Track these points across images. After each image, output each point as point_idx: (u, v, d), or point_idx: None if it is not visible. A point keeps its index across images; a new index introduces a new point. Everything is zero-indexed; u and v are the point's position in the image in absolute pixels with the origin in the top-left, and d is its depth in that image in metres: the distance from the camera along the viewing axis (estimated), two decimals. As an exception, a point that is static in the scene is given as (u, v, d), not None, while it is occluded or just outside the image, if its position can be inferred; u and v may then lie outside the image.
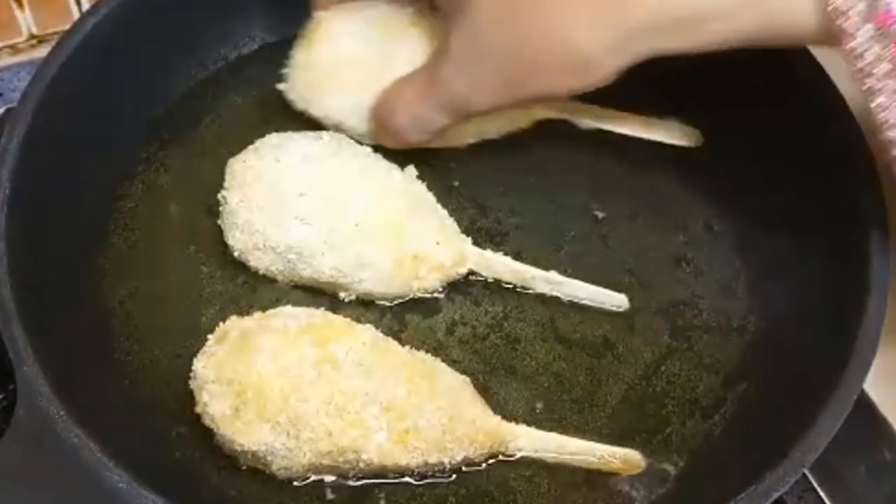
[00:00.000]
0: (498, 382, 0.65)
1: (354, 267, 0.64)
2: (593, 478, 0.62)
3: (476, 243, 0.69)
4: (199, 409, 0.59)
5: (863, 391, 0.61)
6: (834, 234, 0.66)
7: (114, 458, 0.53)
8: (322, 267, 0.64)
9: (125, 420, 0.61)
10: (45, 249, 0.63)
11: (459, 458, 0.60)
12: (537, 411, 0.64)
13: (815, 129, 0.68)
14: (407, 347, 0.62)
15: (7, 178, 0.61)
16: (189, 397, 0.60)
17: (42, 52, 0.77)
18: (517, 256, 0.69)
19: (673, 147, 0.75)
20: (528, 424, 0.62)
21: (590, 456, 0.62)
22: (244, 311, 0.63)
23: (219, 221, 0.67)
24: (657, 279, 0.70)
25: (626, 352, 0.67)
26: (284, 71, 0.72)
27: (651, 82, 0.78)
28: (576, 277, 0.68)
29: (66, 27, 0.68)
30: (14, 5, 0.82)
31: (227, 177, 0.66)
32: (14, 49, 0.84)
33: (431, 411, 0.59)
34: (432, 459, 0.59)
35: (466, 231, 0.69)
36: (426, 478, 0.61)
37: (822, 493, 0.65)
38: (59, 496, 0.54)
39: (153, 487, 0.52)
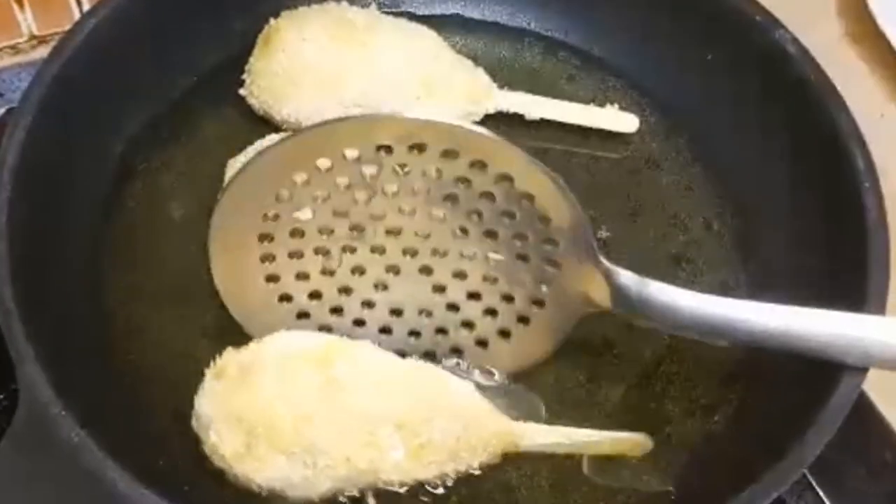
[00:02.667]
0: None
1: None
2: (593, 477, 0.62)
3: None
4: (206, 450, 0.57)
5: (863, 391, 0.61)
6: (834, 234, 0.66)
7: (114, 458, 0.53)
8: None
9: (125, 420, 0.61)
10: (45, 249, 0.63)
11: (475, 465, 0.60)
12: (536, 411, 0.63)
13: (815, 129, 0.68)
14: (410, 359, 0.62)
15: (7, 178, 0.61)
16: (190, 397, 0.60)
17: (43, 52, 0.77)
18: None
19: (672, 146, 0.75)
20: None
21: (598, 443, 0.62)
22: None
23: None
24: (656, 279, 0.70)
25: (626, 351, 0.67)
26: (244, 77, 0.72)
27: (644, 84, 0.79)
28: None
29: (67, 28, 0.68)
30: (14, 6, 0.82)
31: (227, 177, 0.66)
32: (15, 49, 0.84)
33: (443, 422, 0.58)
34: (449, 469, 0.59)
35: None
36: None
37: (821, 493, 0.65)
38: (59, 496, 0.54)
39: (153, 487, 0.52)
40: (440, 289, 0.62)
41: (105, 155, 0.70)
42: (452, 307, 0.63)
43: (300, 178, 0.57)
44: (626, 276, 0.60)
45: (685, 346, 0.67)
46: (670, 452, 0.63)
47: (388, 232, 0.60)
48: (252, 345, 0.60)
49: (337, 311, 0.63)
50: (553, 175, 0.57)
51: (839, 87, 0.68)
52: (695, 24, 0.75)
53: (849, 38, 0.91)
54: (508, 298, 0.62)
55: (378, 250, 0.61)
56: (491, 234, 0.60)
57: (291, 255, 0.61)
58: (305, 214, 0.59)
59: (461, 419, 0.59)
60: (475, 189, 0.58)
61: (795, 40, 0.70)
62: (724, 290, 0.70)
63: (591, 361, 0.66)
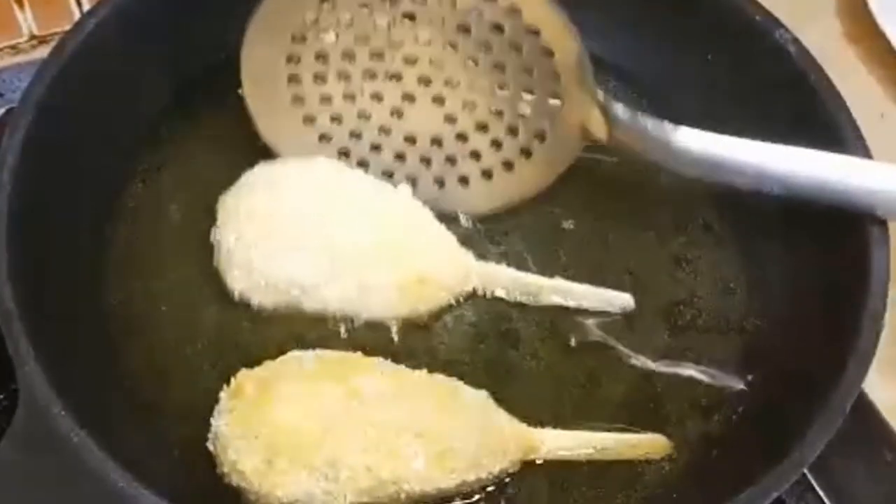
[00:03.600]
0: (498, 384, 0.64)
1: (360, 294, 0.63)
2: (591, 478, 0.62)
3: (475, 243, 0.69)
4: (225, 469, 0.57)
5: (863, 391, 0.61)
6: (834, 234, 0.66)
7: (114, 457, 0.53)
8: (328, 298, 0.63)
9: (125, 420, 0.61)
10: (45, 249, 0.63)
11: (496, 471, 0.60)
12: (537, 412, 0.63)
13: (815, 129, 0.68)
14: (423, 371, 0.62)
15: (7, 178, 0.60)
16: (190, 398, 0.60)
17: (43, 52, 0.77)
18: (517, 256, 0.69)
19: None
20: (529, 425, 0.62)
21: (617, 447, 0.62)
22: (243, 311, 0.63)
23: (214, 262, 0.65)
24: (657, 279, 0.70)
25: (626, 352, 0.67)
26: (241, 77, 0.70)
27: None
28: (576, 277, 0.68)
29: (67, 28, 0.68)
30: (14, 5, 0.82)
31: (220, 214, 0.65)
32: (15, 49, 0.84)
33: (462, 429, 0.58)
34: (470, 477, 0.59)
35: (466, 231, 0.69)
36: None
37: (821, 493, 0.65)
38: (59, 496, 0.54)
39: (153, 487, 0.52)
40: (451, 119, 0.68)
41: (105, 155, 0.70)
42: (461, 137, 0.69)
43: (326, 4, 0.65)
44: (620, 108, 0.65)
45: (685, 346, 0.68)
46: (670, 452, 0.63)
47: (406, 60, 0.67)
48: (267, 363, 0.60)
49: (356, 135, 0.69)
50: (558, 10, 0.63)
51: (839, 87, 0.68)
52: (695, 24, 0.75)
53: (848, 38, 0.91)
54: (513, 131, 0.68)
55: (395, 77, 0.67)
56: (499, 66, 0.67)
57: (316, 79, 0.67)
58: (330, 38, 0.66)
59: (478, 425, 0.59)
60: (486, 20, 0.65)
61: (796, 40, 0.70)
62: (725, 290, 0.70)
63: (591, 361, 0.66)
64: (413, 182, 0.69)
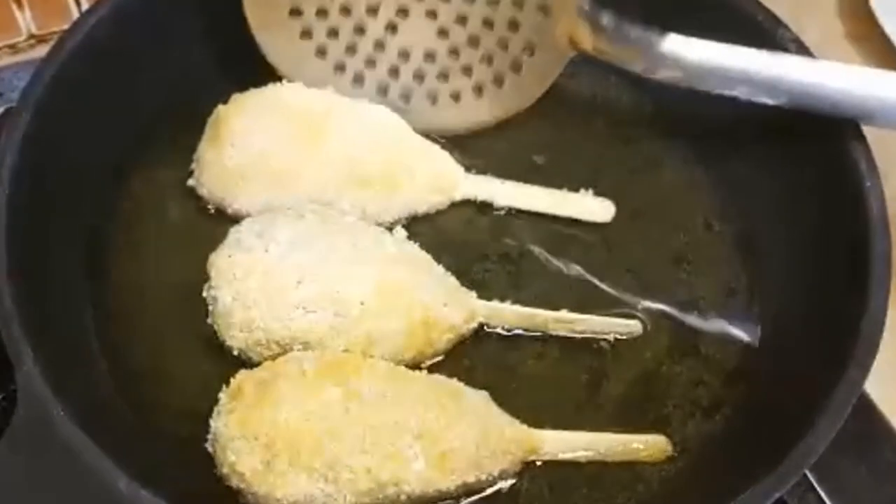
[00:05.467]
0: (498, 384, 0.64)
1: (367, 344, 0.61)
2: (592, 479, 0.62)
3: (477, 241, 0.69)
4: (224, 470, 0.57)
5: (863, 391, 0.61)
6: (835, 234, 0.66)
7: (114, 458, 0.53)
8: (333, 350, 0.61)
9: (125, 420, 0.61)
10: (44, 249, 0.63)
11: (496, 473, 0.60)
12: (537, 413, 0.63)
13: (816, 128, 0.68)
14: (424, 371, 0.62)
15: (7, 178, 0.61)
16: (190, 398, 0.60)
17: (41, 51, 0.77)
18: (519, 256, 0.69)
19: (672, 146, 0.75)
20: (529, 425, 0.62)
21: (617, 448, 0.62)
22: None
23: (209, 320, 0.63)
24: (657, 279, 0.70)
25: (626, 352, 0.67)
26: (192, 168, 0.69)
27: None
28: (576, 275, 0.69)
29: (66, 27, 0.68)
30: (14, 5, 0.82)
31: (213, 274, 0.62)
32: (14, 49, 0.84)
33: (462, 430, 0.58)
34: (470, 478, 0.59)
35: (468, 230, 0.69)
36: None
37: (822, 493, 0.65)
38: (59, 496, 0.54)
39: (153, 487, 0.52)
40: (444, 33, 0.70)
41: (104, 154, 0.70)
42: (454, 52, 0.71)
43: None
44: (605, 17, 0.66)
45: (686, 346, 0.68)
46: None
47: None
48: (266, 364, 0.60)
49: (351, 49, 0.71)
50: None
51: (839, 87, 0.68)
52: (695, 24, 0.75)
53: (848, 38, 0.91)
54: (503, 45, 0.70)
55: None
56: None
57: None
58: None
59: (479, 426, 0.59)
60: None
61: (796, 39, 0.70)
62: (725, 290, 0.70)
63: (591, 361, 0.66)
64: (406, 98, 0.71)
